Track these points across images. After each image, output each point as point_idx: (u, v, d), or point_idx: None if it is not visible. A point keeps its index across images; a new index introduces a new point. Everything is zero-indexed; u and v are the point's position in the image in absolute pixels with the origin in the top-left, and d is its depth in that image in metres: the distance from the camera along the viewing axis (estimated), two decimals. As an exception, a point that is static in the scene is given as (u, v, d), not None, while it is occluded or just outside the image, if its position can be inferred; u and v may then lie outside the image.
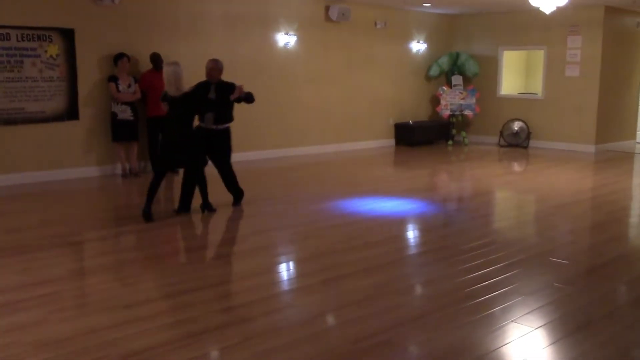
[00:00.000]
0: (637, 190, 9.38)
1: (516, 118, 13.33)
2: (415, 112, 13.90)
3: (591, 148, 12.56)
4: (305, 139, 11.98)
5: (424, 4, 12.52)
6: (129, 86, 9.14)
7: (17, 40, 8.42)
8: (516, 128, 13.28)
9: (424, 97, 14.13)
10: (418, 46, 13.76)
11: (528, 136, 13.17)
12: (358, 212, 7.31)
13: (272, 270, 5.33)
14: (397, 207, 7.62)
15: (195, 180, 6.86)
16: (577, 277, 5.12)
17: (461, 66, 13.83)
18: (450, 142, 13.77)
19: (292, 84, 11.63)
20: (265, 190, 8.62)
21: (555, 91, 12.93)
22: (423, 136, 13.51)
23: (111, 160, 9.43)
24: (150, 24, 9.64)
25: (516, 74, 14.84)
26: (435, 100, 14.05)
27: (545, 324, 4.06)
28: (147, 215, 6.54)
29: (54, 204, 7.77)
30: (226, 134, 7.10)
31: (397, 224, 6.97)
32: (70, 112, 9.00)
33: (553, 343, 3.81)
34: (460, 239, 6.29)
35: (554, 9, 9.48)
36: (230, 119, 7.08)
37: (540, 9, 9.56)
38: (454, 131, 13.89)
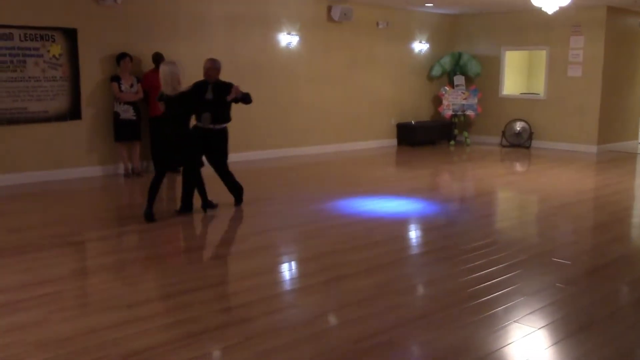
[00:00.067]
0: (640, 190, 9.37)
1: (518, 118, 13.32)
2: (417, 112, 13.89)
3: (593, 148, 12.54)
4: (307, 139, 11.98)
5: (426, 4, 12.52)
6: (132, 86, 9.14)
7: (20, 40, 8.43)
8: (518, 128, 13.27)
9: (426, 97, 14.12)
10: (420, 46, 13.75)
11: (530, 136, 13.15)
12: (359, 212, 7.31)
13: (273, 270, 5.32)
14: (399, 207, 7.61)
15: (193, 180, 6.85)
16: (580, 277, 5.11)
17: (463, 66, 13.82)
18: (452, 142, 13.76)
19: (294, 84, 11.63)
20: (266, 190, 8.62)
21: (558, 91, 12.91)
22: (425, 136, 13.50)
23: (114, 160, 9.44)
24: (153, 24, 9.65)
25: (518, 74, 14.83)
26: (437, 100, 14.04)
27: (547, 324, 4.06)
28: (149, 216, 6.54)
29: (56, 203, 7.78)
30: (223, 134, 7.07)
31: (399, 224, 6.96)
32: (73, 112, 9.01)
33: (555, 343, 3.80)
34: (462, 239, 6.28)
35: (557, 9, 9.46)
36: (227, 119, 7.06)
37: (543, 9, 9.55)
38: (456, 131, 13.88)
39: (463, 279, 4.95)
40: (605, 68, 12.31)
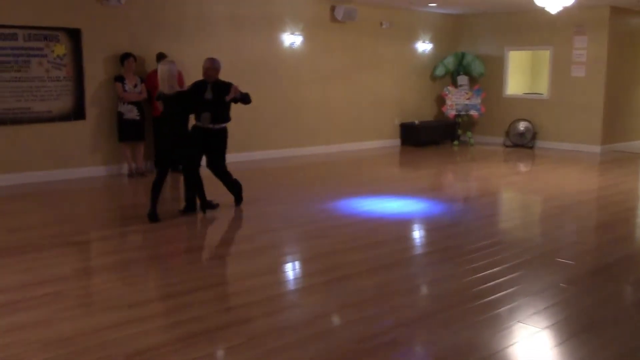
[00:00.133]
0: (644, 190, 9.35)
1: (522, 118, 13.30)
2: (421, 112, 13.89)
3: (597, 148, 12.52)
4: (310, 139, 11.99)
5: (430, 4, 12.51)
6: (135, 86, 9.16)
7: (24, 40, 8.45)
8: (522, 128, 13.25)
9: (430, 97, 14.11)
10: (424, 46, 13.75)
11: (534, 136, 13.13)
12: (363, 212, 7.31)
13: (276, 270, 5.33)
14: (402, 207, 7.61)
15: (195, 180, 6.83)
16: (583, 277, 5.10)
17: (467, 66, 13.81)
18: (455, 142, 13.75)
19: (298, 84, 11.63)
20: (270, 190, 8.63)
21: (561, 91, 12.90)
22: (428, 136, 13.49)
23: (117, 160, 9.45)
24: (156, 24, 9.66)
25: (522, 74, 14.81)
26: (441, 100, 14.03)
27: (551, 325, 4.05)
28: (153, 216, 6.54)
29: (60, 203, 7.79)
30: (222, 134, 7.03)
31: (403, 224, 6.96)
32: (77, 112, 9.03)
33: (559, 344, 3.80)
34: (465, 239, 6.28)
35: (560, 9, 9.45)
36: (226, 119, 7.02)
37: (546, 9, 9.54)
38: (459, 131, 13.87)
39: (467, 279, 4.95)
40: (608, 68, 12.29)
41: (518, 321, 4.10)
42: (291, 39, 11.37)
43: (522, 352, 3.69)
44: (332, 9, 11.83)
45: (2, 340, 3.74)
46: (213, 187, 7.19)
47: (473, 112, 13.63)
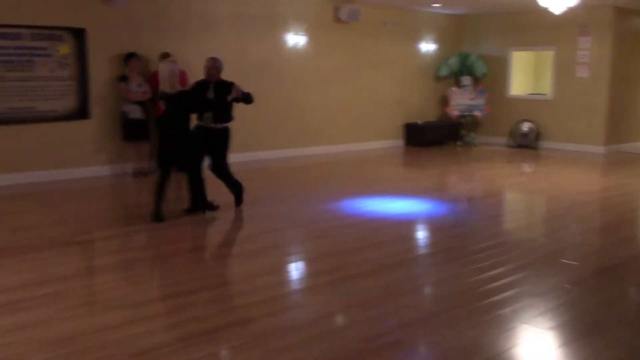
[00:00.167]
0: (648, 191, 9.33)
1: (526, 119, 13.29)
2: (424, 112, 13.88)
3: (601, 149, 12.50)
4: (314, 139, 11.99)
5: (434, 4, 12.51)
6: (140, 85, 9.17)
7: (29, 40, 8.47)
8: (525, 129, 13.24)
9: (433, 97, 14.10)
10: (427, 46, 13.74)
11: (537, 137, 13.12)
12: (367, 212, 7.31)
13: (280, 270, 5.33)
14: (406, 208, 7.61)
15: (198, 179, 6.83)
16: (588, 278, 5.09)
17: (470, 67, 13.80)
18: (459, 143, 13.74)
19: (302, 84, 11.64)
20: (273, 190, 8.64)
21: (565, 92, 12.88)
22: (432, 137, 13.49)
23: (122, 160, 9.47)
24: (161, 24, 9.68)
25: (525, 75, 14.79)
26: (445, 101, 14.02)
27: (555, 326, 4.05)
28: (157, 216, 6.55)
29: (64, 203, 7.81)
30: (225, 134, 6.99)
31: (407, 224, 6.96)
32: (81, 112, 9.05)
33: (564, 345, 3.80)
34: (470, 240, 6.28)
35: (564, 9, 9.44)
36: (229, 118, 6.99)
37: (550, 9, 9.53)
38: (463, 132, 13.86)
39: (471, 280, 4.95)
40: (613, 68, 12.27)
41: (522, 322, 4.10)
42: (295, 39, 11.37)
43: (526, 352, 3.70)
44: (336, 9, 11.83)
45: (3, 340, 3.75)
46: (216, 188, 7.19)
47: (477, 113, 13.62)
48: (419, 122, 13.52)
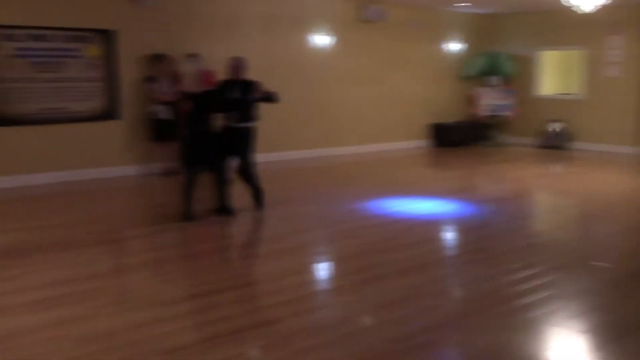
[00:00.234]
0: (682, 193, 9.14)
1: (555, 119, 13.12)
2: (451, 112, 13.78)
3: (632, 150, 12.27)
4: (340, 140, 11.98)
5: (461, 4, 12.40)
6: (168, 86, 9.25)
7: (60, 42, 8.61)
8: (555, 129, 13.06)
9: (460, 97, 13.99)
10: (454, 46, 13.64)
11: (567, 137, 12.94)
12: (394, 212, 7.28)
13: (308, 269, 5.34)
14: (434, 208, 7.56)
15: (225, 179, 6.84)
16: (620, 281, 5.00)
17: (499, 66, 13.64)
18: (487, 143, 13.61)
19: (327, 85, 11.64)
20: (301, 190, 8.65)
21: (596, 92, 12.68)
22: (459, 137, 13.38)
23: (150, 160, 9.56)
24: (189, 25, 9.76)
25: (554, 74, 14.59)
26: (472, 101, 13.90)
27: (587, 329, 3.99)
28: (187, 215, 6.60)
29: (95, 202, 7.92)
30: (250, 133, 6.96)
31: (435, 225, 6.91)
32: (110, 112, 9.17)
33: (596, 349, 3.74)
34: (499, 241, 6.22)
35: (594, 7, 9.29)
36: (254, 117, 6.96)
37: (580, 8, 9.38)
38: (491, 132, 13.72)
39: (500, 282, 4.90)
40: (645, 68, 12.06)
41: (553, 325, 4.04)
42: (321, 39, 11.38)
43: (557, 356, 3.64)
44: (362, 9, 11.81)
45: (38, 336, 3.83)
46: (241, 191, 7.20)
47: (505, 113, 13.48)
48: (446, 122, 13.43)
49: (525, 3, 12.18)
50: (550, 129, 13.12)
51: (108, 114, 9.13)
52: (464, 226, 6.92)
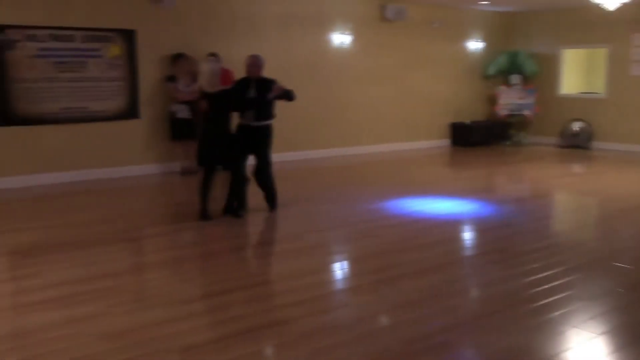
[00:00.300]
0: None
1: (577, 118, 12.96)
2: (472, 112, 13.68)
3: (657, 150, 12.09)
4: (360, 139, 11.96)
5: (482, 2, 12.31)
6: (188, 85, 9.30)
7: (82, 42, 8.70)
8: (577, 128, 12.91)
9: (481, 96, 13.88)
10: (475, 45, 13.54)
11: (590, 137, 12.77)
12: (413, 212, 7.24)
13: (325, 269, 5.33)
14: (453, 208, 7.50)
15: (241, 178, 6.83)
16: (642, 282, 4.93)
17: (520, 65, 13.52)
18: (508, 143, 13.49)
19: (347, 84, 11.62)
20: (320, 189, 8.64)
21: (619, 91, 12.50)
22: (480, 136, 13.28)
23: (170, 158, 9.63)
24: (208, 24, 9.81)
25: (577, 73, 14.42)
26: (493, 100, 13.79)
27: (608, 331, 3.93)
28: (204, 215, 6.62)
29: (114, 200, 7.99)
30: (267, 131, 6.92)
31: (453, 224, 6.86)
32: (131, 111, 9.24)
33: (616, 350, 3.67)
34: (519, 241, 6.15)
35: (618, 5, 9.16)
36: (270, 115, 6.92)
37: (603, 5, 9.26)
38: (512, 131, 13.60)
39: (520, 282, 4.84)
40: (670, 66, 11.86)
41: (573, 326, 3.98)
42: (341, 38, 11.36)
43: (576, 358, 3.59)
44: (382, 8, 11.77)
45: (56, 333, 3.86)
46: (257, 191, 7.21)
47: (526, 112, 13.35)
48: (466, 121, 13.34)
49: (546, 1, 12.04)
50: (572, 129, 12.96)
51: (128, 113, 9.21)
52: (484, 226, 6.86)
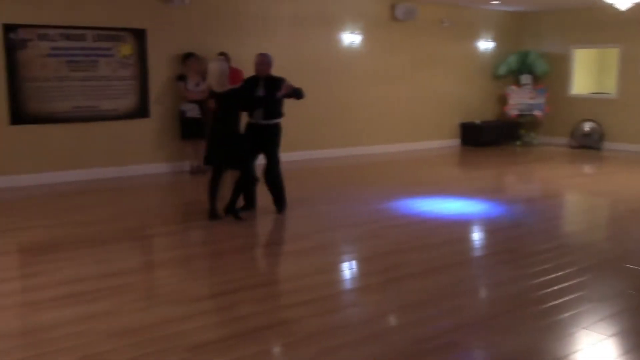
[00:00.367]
0: None
1: (588, 118, 12.89)
2: (482, 111, 13.64)
3: (669, 150, 12.01)
4: (370, 138, 11.95)
5: (492, 1, 12.26)
6: (197, 85, 9.33)
7: (93, 41, 8.75)
8: (588, 129, 12.84)
9: (491, 96, 13.84)
10: (485, 45, 13.49)
11: (601, 137, 12.70)
12: (422, 212, 7.23)
13: (333, 269, 5.33)
14: (462, 208, 7.49)
15: (250, 178, 6.80)
16: (653, 284, 4.90)
17: (530, 65, 13.46)
18: (518, 143, 13.44)
19: (357, 83, 11.61)
20: (330, 188, 8.64)
21: (630, 91, 12.42)
22: (490, 136, 13.23)
23: (180, 157, 9.66)
24: (218, 24, 9.83)
25: (588, 73, 14.34)
26: (503, 100, 13.74)
27: (618, 333, 3.91)
28: (213, 214, 6.64)
29: (125, 199, 8.03)
30: (275, 130, 6.91)
31: (463, 225, 6.85)
32: (141, 110, 9.28)
33: (626, 353, 3.66)
34: (528, 242, 6.13)
35: (630, 5, 9.10)
36: (279, 114, 6.90)
37: (615, 5, 9.20)
38: (522, 131, 13.54)
39: (529, 283, 4.82)
40: (682, 66, 11.77)
41: (582, 327, 3.97)
42: (351, 38, 11.35)
43: (586, 359, 3.57)
44: (392, 7, 11.75)
45: (68, 330, 3.88)
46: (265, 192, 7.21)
47: (536, 112, 13.29)
48: (477, 121, 13.29)
49: (557, 1, 11.97)
50: (583, 129, 12.90)
51: (139, 112, 9.25)
52: (493, 226, 6.84)
